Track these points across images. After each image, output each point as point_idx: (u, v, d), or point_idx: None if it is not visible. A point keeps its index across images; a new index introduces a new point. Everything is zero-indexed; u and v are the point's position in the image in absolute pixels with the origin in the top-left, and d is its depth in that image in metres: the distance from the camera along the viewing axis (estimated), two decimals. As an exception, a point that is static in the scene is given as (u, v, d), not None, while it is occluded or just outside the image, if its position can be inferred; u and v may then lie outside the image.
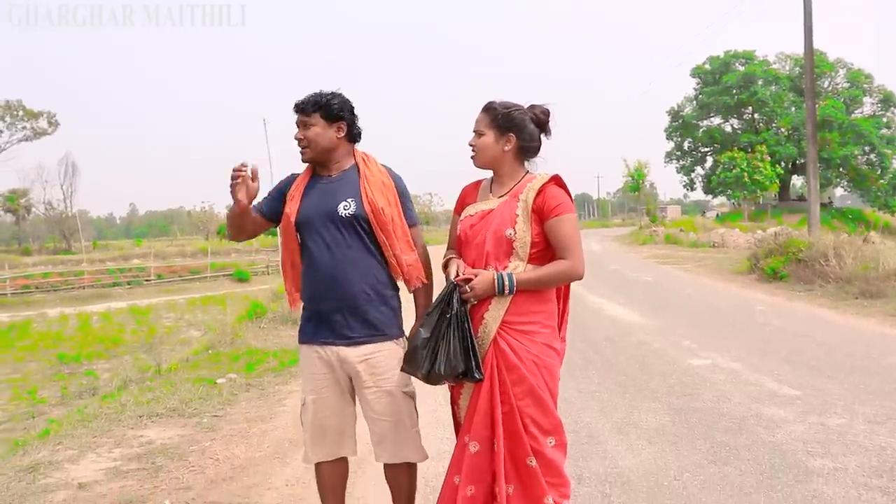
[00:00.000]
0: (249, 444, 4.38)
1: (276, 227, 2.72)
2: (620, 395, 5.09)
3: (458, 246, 2.57)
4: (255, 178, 2.46)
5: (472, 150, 2.51)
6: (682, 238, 27.18)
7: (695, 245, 24.62)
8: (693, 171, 50.19)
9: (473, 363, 2.32)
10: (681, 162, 50.27)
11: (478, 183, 2.66)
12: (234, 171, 2.43)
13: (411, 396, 2.61)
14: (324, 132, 2.56)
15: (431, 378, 2.36)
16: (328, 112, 2.55)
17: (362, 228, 2.53)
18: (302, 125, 2.57)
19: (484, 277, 2.37)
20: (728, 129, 48.56)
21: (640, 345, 7.02)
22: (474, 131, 2.50)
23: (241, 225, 2.58)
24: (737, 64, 45.94)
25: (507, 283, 2.34)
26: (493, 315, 2.38)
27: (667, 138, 50.21)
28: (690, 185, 50.96)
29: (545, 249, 2.42)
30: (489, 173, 2.59)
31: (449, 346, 2.32)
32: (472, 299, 2.39)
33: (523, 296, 2.37)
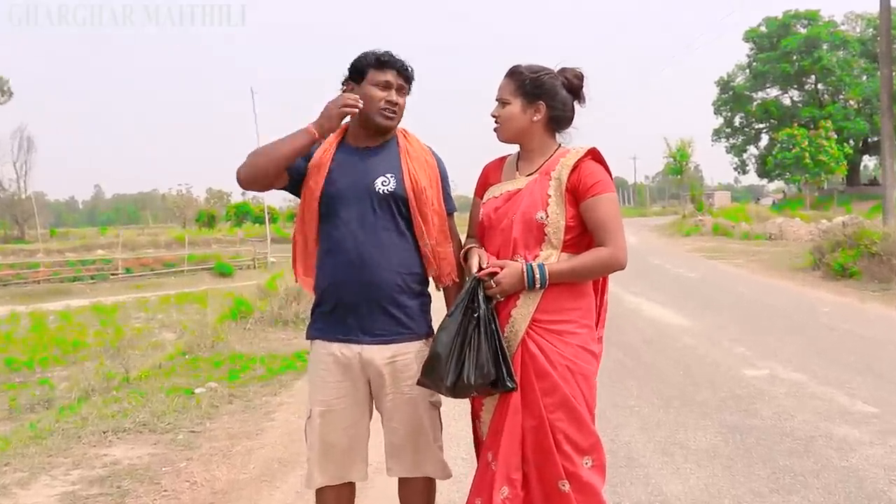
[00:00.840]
0: (232, 464, 4.36)
1: (286, 188, 2.65)
2: (664, 410, 5.05)
3: (480, 233, 2.54)
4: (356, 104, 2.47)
5: (496, 122, 2.49)
6: (732, 229, 27.02)
7: (747, 237, 24.46)
8: (745, 151, 50.04)
9: (504, 370, 2.28)
10: (731, 141, 50.11)
11: (502, 160, 2.64)
12: (349, 100, 2.45)
13: (436, 406, 2.60)
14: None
15: (458, 390, 2.31)
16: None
17: (398, 210, 2.52)
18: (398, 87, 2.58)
19: (511, 270, 2.33)
20: (787, 101, 48.37)
21: (686, 351, 6.97)
22: (497, 100, 2.48)
23: (278, 167, 2.49)
24: (798, 26, 45.64)
25: (537, 275, 2.31)
26: (522, 312, 2.35)
27: (714, 113, 50.17)
28: (742, 168, 50.82)
29: (581, 235, 2.40)
30: (514, 148, 2.57)
31: (478, 352, 2.28)
32: (497, 295, 2.35)
33: (557, 290, 2.34)
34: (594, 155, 2.42)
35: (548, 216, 2.35)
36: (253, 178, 2.50)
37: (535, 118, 2.44)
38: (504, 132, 2.48)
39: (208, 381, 6.37)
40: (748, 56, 47.79)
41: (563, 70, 2.48)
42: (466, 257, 2.51)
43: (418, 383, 2.42)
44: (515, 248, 2.38)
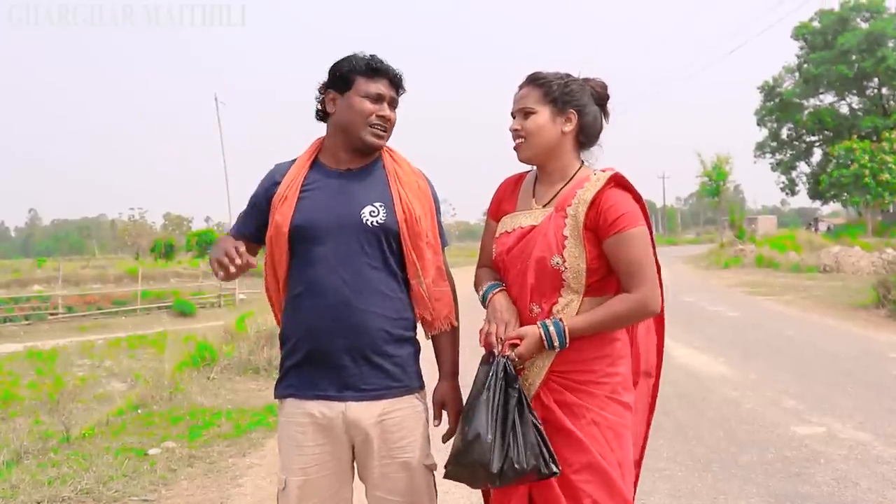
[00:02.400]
0: (192, 539, 4.34)
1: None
2: (700, 475, 5.05)
3: (497, 272, 2.58)
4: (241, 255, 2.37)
5: (519, 137, 2.50)
6: (779, 260, 27.08)
7: (797, 269, 24.54)
8: (794, 168, 50.19)
9: (546, 452, 2.28)
10: (777, 156, 50.30)
11: (520, 178, 2.67)
12: (226, 258, 2.35)
13: (432, 470, 2.57)
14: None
15: (504, 477, 2.28)
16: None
17: (388, 245, 2.52)
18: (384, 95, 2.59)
19: (530, 340, 2.36)
20: (844, 109, 48.53)
21: (726, 405, 6.98)
22: (518, 111, 2.51)
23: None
24: (858, 20, 45.68)
25: (556, 339, 2.34)
26: (537, 365, 2.40)
27: (758, 124, 50.33)
28: (791, 188, 50.95)
29: (608, 276, 2.43)
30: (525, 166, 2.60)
31: (524, 432, 2.28)
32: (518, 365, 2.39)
33: (577, 341, 2.37)
34: (618, 181, 2.42)
35: (565, 261, 2.38)
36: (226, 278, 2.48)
37: (565, 129, 2.47)
38: (530, 147, 2.49)
39: (164, 440, 6.35)
40: (798, 56, 48.07)
41: (587, 79, 2.54)
42: (479, 285, 2.56)
43: (447, 476, 2.38)
44: (532, 296, 2.42)
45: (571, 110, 2.46)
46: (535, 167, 2.59)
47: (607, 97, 2.55)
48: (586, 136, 2.52)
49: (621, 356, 2.46)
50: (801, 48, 47.82)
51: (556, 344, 2.33)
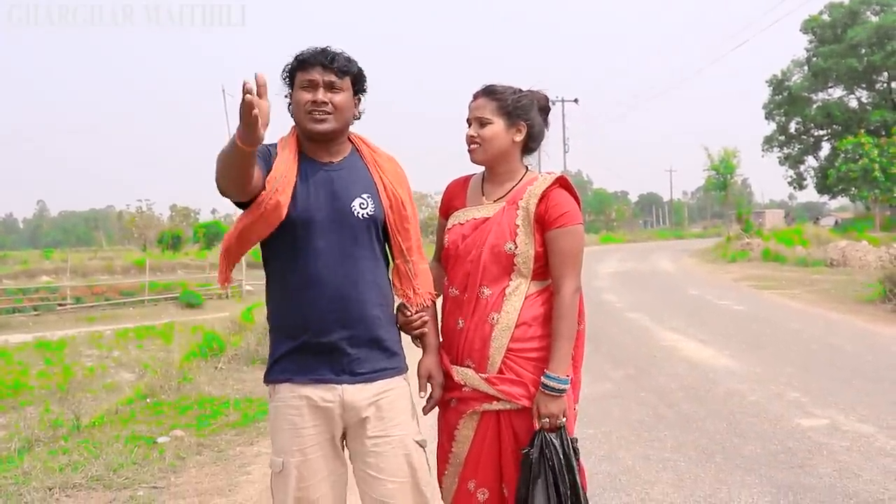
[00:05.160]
0: (201, 525, 4.40)
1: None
2: (703, 465, 5.09)
3: (444, 259, 2.84)
4: (263, 93, 2.22)
5: (475, 143, 2.78)
6: (786, 254, 27.02)
7: (804, 263, 24.45)
8: (802, 162, 49.89)
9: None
10: (785, 150, 50.02)
11: (466, 180, 2.98)
12: (245, 92, 2.11)
13: (423, 446, 2.68)
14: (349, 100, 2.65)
15: None
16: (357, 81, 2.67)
17: (376, 234, 2.65)
18: (328, 87, 2.57)
19: (550, 407, 2.64)
20: (853, 103, 48.20)
21: (730, 397, 7.00)
22: (475, 119, 2.78)
23: (244, 170, 2.36)
24: (868, 13, 45.35)
25: (559, 384, 2.65)
26: (497, 345, 2.70)
27: (766, 118, 50.05)
28: (799, 182, 50.70)
29: (548, 263, 2.75)
30: (477, 168, 2.92)
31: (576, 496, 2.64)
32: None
33: (526, 323, 2.71)
34: (562, 183, 2.77)
35: (517, 247, 2.70)
36: (224, 189, 2.44)
37: (516, 138, 2.79)
38: (484, 153, 2.78)
39: (173, 429, 6.41)
40: (807, 50, 47.62)
41: (533, 92, 2.85)
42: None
43: None
44: (483, 280, 2.72)
45: (522, 122, 2.78)
46: (482, 169, 2.90)
47: (549, 109, 2.90)
48: (533, 143, 2.86)
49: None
50: (811, 41, 47.42)
51: (562, 387, 2.64)
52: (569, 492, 2.60)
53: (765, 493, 4.54)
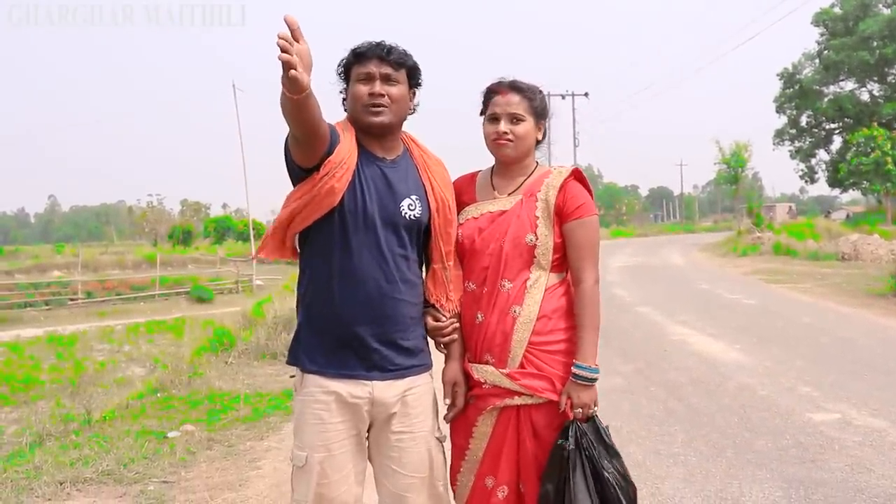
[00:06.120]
0: (211, 519, 4.40)
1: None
2: (714, 460, 5.07)
3: (459, 253, 2.81)
4: (298, 35, 2.19)
5: (507, 140, 2.76)
6: (797, 248, 26.92)
7: (815, 257, 24.37)
8: (814, 155, 49.74)
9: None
10: (796, 143, 49.89)
11: (472, 176, 2.97)
12: (282, 50, 2.11)
13: (442, 442, 2.72)
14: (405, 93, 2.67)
15: None
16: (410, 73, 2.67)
17: (418, 235, 2.68)
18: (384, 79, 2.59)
19: (580, 397, 2.66)
20: (865, 96, 48.02)
21: (741, 391, 6.98)
22: (508, 115, 2.76)
23: (305, 114, 2.30)
24: (880, 5, 45.11)
25: (591, 373, 2.67)
26: (519, 339, 2.70)
27: (777, 111, 49.91)
28: (810, 176, 50.55)
29: (566, 255, 2.79)
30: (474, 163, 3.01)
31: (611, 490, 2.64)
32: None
33: (547, 315, 2.72)
34: (577, 175, 2.81)
35: (538, 238, 2.73)
36: (301, 136, 2.40)
37: (539, 136, 2.86)
38: (515, 149, 2.79)
39: (183, 424, 6.43)
40: (818, 43, 47.44)
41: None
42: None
43: None
44: (505, 273, 2.72)
45: (542, 122, 2.86)
46: (483, 166, 2.96)
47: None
48: (543, 140, 2.91)
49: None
50: (822, 34, 47.24)
51: (592, 376, 2.66)
52: (617, 474, 2.63)
53: (776, 489, 4.52)
